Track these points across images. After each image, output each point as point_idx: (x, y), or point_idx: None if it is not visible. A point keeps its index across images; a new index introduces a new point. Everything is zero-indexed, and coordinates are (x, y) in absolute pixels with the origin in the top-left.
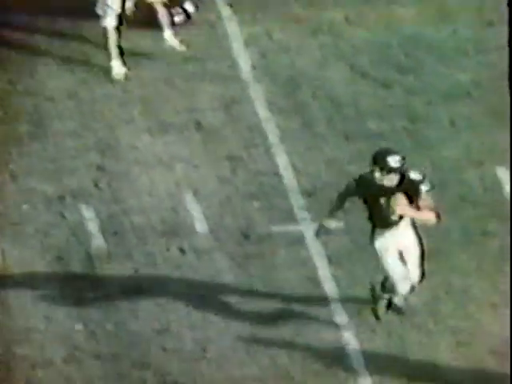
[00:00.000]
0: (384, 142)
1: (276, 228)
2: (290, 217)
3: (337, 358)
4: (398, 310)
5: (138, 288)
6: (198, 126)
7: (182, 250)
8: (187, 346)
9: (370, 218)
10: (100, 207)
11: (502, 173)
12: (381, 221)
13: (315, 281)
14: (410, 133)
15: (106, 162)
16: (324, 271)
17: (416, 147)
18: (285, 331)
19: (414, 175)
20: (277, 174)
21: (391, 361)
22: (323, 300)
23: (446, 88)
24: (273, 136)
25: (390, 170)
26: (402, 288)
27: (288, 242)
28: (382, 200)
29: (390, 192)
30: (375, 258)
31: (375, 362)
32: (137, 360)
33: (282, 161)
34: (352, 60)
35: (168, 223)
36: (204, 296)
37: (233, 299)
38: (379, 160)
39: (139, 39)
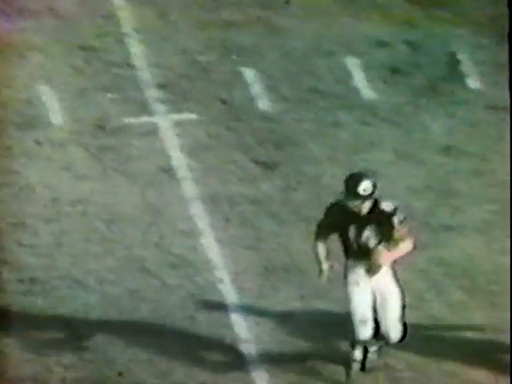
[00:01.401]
0: (237, 31)
1: (130, 120)
2: (144, 108)
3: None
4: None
5: None
6: (52, 13)
7: (38, 143)
8: (43, 239)
9: (344, 249)
10: None
11: (352, 62)
12: (352, 250)
13: (169, 170)
14: (262, 22)
15: None
16: (178, 161)
17: (268, 37)
18: (139, 223)
19: (385, 206)
20: (130, 65)
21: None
22: (176, 187)
23: None
24: (127, 25)
25: (360, 198)
26: (361, 332)
27: (142, 134)
28: (353, 228)
29: (362, 219)
30: (230, 149)
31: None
32: None
33: (136, 51)
34: None
35: (24, 115)
36: (60, 188)
37: (88, 192)
38: (350, 186)
39: None
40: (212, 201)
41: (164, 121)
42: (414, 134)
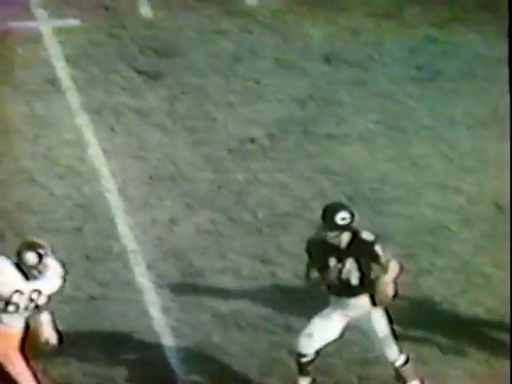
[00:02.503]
0: None
1: (13, 25)
2: (27, 13)
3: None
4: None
5: None
6: None
7: None
8: None
9: (327, 285)
10: None
11: None
12: (333, 286)
13: (54, 80)
14: None
15: None
16: (62, 71)
17: None
18: (27, 134)
19: (365, 235)
20: None
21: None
22: (62, 97)
23: None
24: None
25: (338, 228)
26: (302, 345)
27: (26, 41)
28: (333, 261)
29: (342, 252)
30: (113, 58)
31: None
32: None
33: None
34: None
35: None
36: None
37: None
38: (327, 217)
39: None
40: (97, 111)
41: (47, 27)
42: (295, 42)
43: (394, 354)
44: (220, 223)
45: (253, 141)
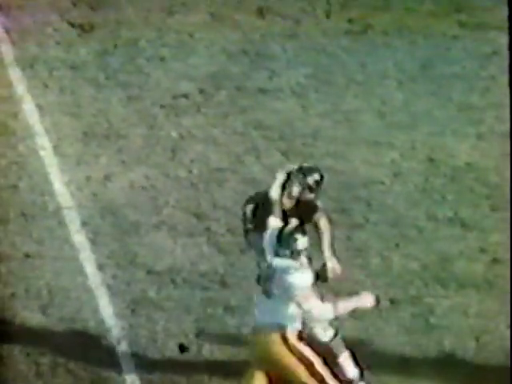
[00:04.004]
0: None
1: None
2: None
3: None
4: None
5: None
6: None
7: None
8: None
9: None
10: None
11: None
12: None
13: None
14: None
15: None
16: None
17: None
18: None
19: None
20: None
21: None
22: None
23: None
24: None
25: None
26: None
27: None
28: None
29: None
30: (46, 10)
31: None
32: None
33: None
34: None
35: None
36: None
37: None
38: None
39: None
40: (30, 65)
41: None
42: None
43: (321, 332)
44: (155, 179)
45: (186, 96)
